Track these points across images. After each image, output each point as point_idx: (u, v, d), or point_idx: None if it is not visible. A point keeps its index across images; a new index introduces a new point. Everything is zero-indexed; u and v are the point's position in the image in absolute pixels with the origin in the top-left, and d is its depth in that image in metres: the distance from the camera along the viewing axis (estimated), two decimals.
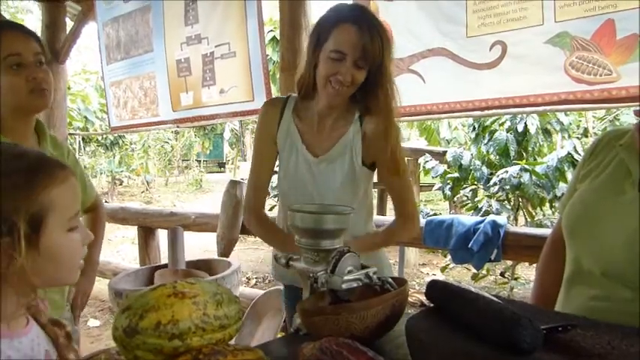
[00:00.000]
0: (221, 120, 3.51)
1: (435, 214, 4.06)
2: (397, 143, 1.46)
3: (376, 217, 1.78)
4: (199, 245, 6.95)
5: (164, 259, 4.09)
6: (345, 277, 1.01)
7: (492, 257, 2.32)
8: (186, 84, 3.49)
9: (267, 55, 3.05)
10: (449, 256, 4.76)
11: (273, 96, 3.17)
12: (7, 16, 12.07)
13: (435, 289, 0.98)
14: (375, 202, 5.60)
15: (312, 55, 1.44)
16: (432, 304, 1.00)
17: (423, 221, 2.64)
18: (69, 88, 8.78)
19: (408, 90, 2.64)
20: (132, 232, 8.21)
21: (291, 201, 1.55)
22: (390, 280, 1.03)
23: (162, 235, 4.11)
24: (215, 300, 0.73)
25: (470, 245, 2.32)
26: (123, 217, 4.13)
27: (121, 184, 16.14)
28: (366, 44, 1.35)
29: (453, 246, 2.42)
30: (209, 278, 2.44)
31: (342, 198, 1.45)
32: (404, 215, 1.54)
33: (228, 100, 3.25)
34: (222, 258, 2.91)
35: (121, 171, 14.84)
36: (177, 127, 3.80)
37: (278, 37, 7.84)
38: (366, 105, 1.47)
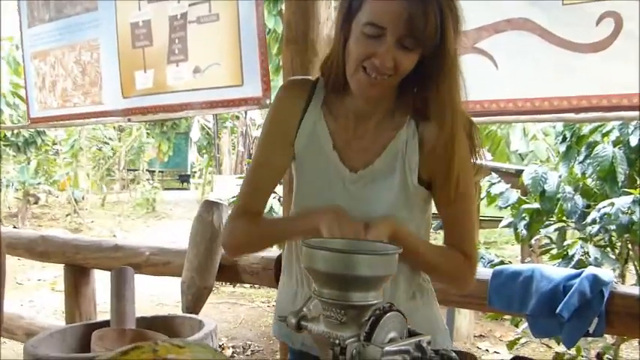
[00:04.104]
0: (194, 112, 3.53)
1: (502, 263, 4.05)
2: (466, 159, 1.51)
3: None
4: (155, 295, 6.97)
5: (102, 313, 4.09)
6: (387, 348, 1.02)
7: (591, 330, 2.30)
8: (145, 59, 3.53)
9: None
10: (521, 327, 4.77)
11: (272, 80, 3.20)
12: None
13: None
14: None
15: (341, 29, 1.48)
16: None
17: (487, 272, 2.63)
18: None
19: (472, 78, 2.67)
20: (52, 272, 8.25)
21: None
22: (453, 354, 1.04)
23: (99, 279, 4.12)
24: None
25: (558, 310, 2.30)
26: (43, 250, 4.13)
27: (36, 203, 16.25)
28: (415, 15, 1.36)
29: (533, 311, 2.41)
30: None
31: None
32: (461, 254, 1.59)
33: (205, 84, 3.29)
34: (189, 315, 2.90)
35: (38, 183, 14.95)
36: (129, 120, 3.82)
37: None
38: (422, 104, 1.51)
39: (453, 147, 1.48)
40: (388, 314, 1.06)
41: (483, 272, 2.73)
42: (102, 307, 4.13)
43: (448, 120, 1.47)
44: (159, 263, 3.57)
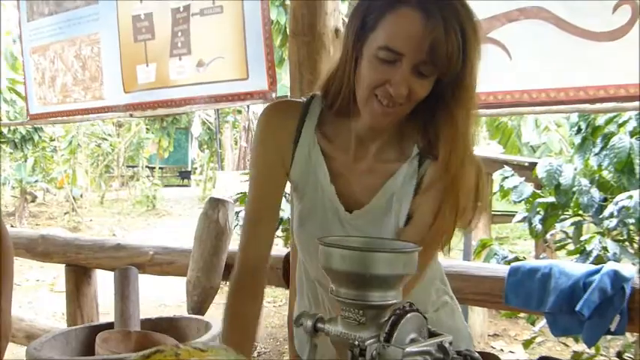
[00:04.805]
0: (197, 107, 3.55)
1: (517, 259, 4.04)
2: (451, 208, 1.43)
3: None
4: (159, 295, 6.98)
5: (104, 314, 4.10)
6: (408, 349, 1.02)
7: (612, 328, 2.30)
8: (147, 53, 3.54)
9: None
10: (538, 325, 4.76)
11: (278, 73, 3.21)
12: None
13: None
14: None
15: (351, 48, 1.41)
16: None
17: (503, 269, 2.64)
18: None
19: (484, 69, 2.66)
20: (51, 273, 8.28)
21: (313, 258, 1.58)
22: (476, 354, 1.04)
23: (101, 280, 4.13)
24: None
25: (578, 308, 2.30)
26: (44, 250, 4.17)
27: (33, 201, 16.29)
28: (436, 42, 1.30)
29: (552, 308, 2.40)
30: None
31: None
32: None
33: (209, 78, 3.30)
34: (195, 316, 2.92)
35: (35, 181, 14.98)
36: (131, 115, 3.84)
37: None
38: (432, 135, 1.46)
39: (446, 192, 1.42)
40: (409, 314, 1.06)
41: (499, 269, 2.73)
42: (103, 309, 4.15)
43: (454, 160, 1.41)
44: (163, 263, 3.60)
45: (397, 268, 1.09)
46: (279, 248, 4.66)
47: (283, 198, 5.72)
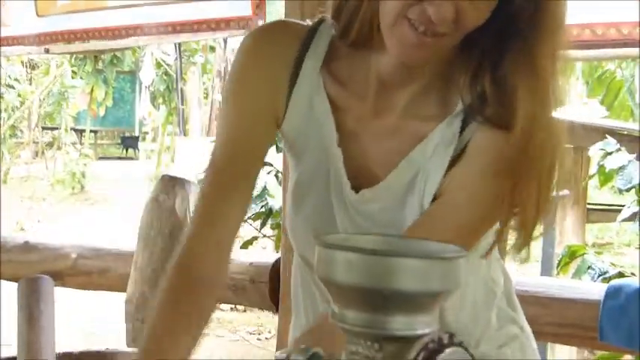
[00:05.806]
0: (148, 39, 3.55)
1: (621, 275, 4.05)
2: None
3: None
4: (86, 319, 7.00)
5: (4, 347, 4.12)
6: None
7: None
8: None
9: None
10: None
11: None
12: None
13: None
14: None
15: None
16: None
17: (598, 289, 2.65)
18: None
19: None
20: None
21: (307, 251, 1.61)
22: None
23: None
24: None
25: None
26: None
27: None
28: None
29: None
30: None
31: None
32: None
33: None
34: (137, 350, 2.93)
35: None
36: (47, 51, 3.84)
37: None
38: (483, 85, 1.45)
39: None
40: (447, 350, 1.06)
41: (593, 290, 2.74)
42: (3, 336, 4.17)
43: (521, 125, 1.39)
44: (92, 271, 3.60)
45: (432, 282, 1.08)
46: (267, 253, 4.68)
47: (274, 178, 5.81)
